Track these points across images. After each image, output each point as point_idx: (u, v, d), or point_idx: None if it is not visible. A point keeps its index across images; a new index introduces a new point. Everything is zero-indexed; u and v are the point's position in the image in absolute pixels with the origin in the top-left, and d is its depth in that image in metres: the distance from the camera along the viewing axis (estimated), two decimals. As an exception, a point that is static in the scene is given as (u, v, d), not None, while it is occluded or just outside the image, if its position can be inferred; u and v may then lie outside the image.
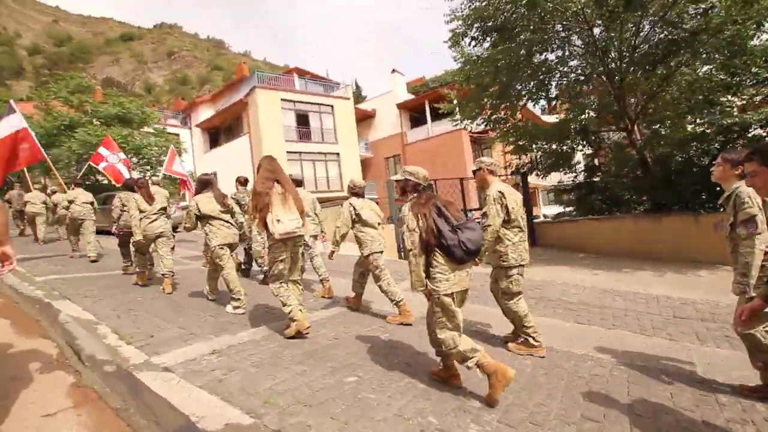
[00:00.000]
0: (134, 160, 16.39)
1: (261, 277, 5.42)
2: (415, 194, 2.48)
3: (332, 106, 21.70)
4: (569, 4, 6.77)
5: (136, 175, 16.42)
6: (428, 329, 2.44)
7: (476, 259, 2.53)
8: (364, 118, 25.34)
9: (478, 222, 2.76)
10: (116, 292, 4.44)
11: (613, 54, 8.01)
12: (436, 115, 22.65)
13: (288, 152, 19.66)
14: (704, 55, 7.08)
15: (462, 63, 9.53)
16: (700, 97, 7.65)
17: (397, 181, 2.62)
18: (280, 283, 3.19)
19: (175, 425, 1.85)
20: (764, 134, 7.12)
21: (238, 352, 2.83)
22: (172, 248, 5.06)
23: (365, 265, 3.91)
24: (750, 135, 7.15)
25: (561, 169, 10.83)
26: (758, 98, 7.40)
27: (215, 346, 2.92)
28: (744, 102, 7.85)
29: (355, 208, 3.84)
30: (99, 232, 7.14)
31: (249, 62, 58.78)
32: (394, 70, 24.37)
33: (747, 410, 2.22)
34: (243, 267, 5.76)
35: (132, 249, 5.16)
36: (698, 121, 7.62)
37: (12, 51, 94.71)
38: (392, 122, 24.43)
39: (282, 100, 20.07)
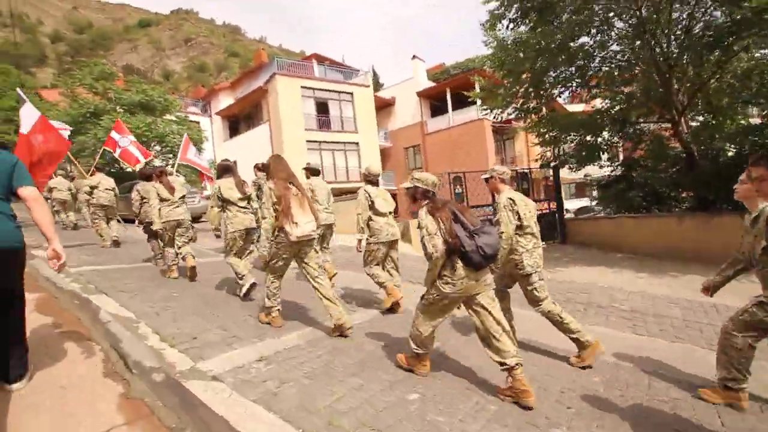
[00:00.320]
0: (157, 148, 16.49)
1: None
2: (427, 200, 2.48)
3: (352, 94, 21.32)
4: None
5: (158, 163, 16.57)
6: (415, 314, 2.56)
7: (493, 267, 2.58)
8: (383, 107, 24.86)
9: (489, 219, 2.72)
10: (150, 286, 4.36)
11: (660, 38, 7.43)
12: (458, 104, 22.05)
13: (308, 141, 19.48)
14: None
15: (495, 48, 9.05)
16: (756, 84, 7.04)
17: (407, 188, 2.64)
18: (275, 277, 3.23)
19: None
20: None
21: (287, 360, 2.68)
22: (192, 239, 5.05)
23: (375, 254, 3.90)
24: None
25: (594, 162, 10.34)
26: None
27: (262, 351, 2.78)
28: None
29: (369, 195, 3.88)
30: (125, 220, 7.14)
31: (266, 48, 58.50)
32: (414, 56, 23.69)
33: None
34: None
35: (160, 243, 5.09)
36: (755, 111, 7.03)
37: (35, 39, 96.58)
38: (412, 111, 23.91)
39: (302, 87, 19.79)
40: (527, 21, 7.86)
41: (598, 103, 10.03)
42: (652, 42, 7.36)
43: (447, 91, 22.11)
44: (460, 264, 2.25)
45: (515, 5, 7.61)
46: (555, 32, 7.49)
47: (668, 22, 7.17)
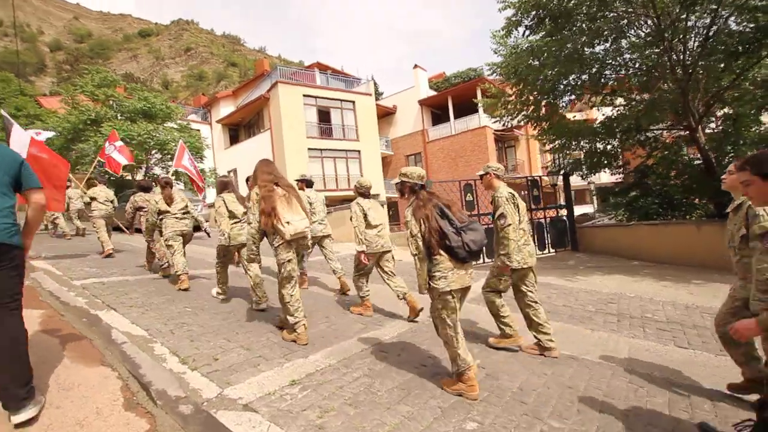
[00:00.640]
0: (158, 156, 16.26)
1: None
2: (413, 196, 2.49)
3: (354, 102, 21.25)
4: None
5: (158, 171, 16.31)
6: (435, 327, 2.51)
7: (507, 263, 2.86)
8: (385, 115, 24.83)
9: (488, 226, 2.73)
10: (161, 301, 4.08)
11: (677, 45, 7.34)
12: (459, 112, 22.01)
13: (309, 149, 19.31)
14: None
15: (505, 56, 8.95)
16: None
17: (395, 184, 2.67)
18: (291, 287, 3.10)
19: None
20: None
21: (322, 384, 2.42)
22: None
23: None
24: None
25: (605, 170, 10.21)
26: None
27: (293, 374, 2.52)
28: None
29: (363, 207, 3.97)
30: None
31: (266, 58, 58.73)
32: (416, 65, 23.76)
33: None
34: None
35: (169, 253, 4.86)
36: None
37: (34, 48, 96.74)
38: (413, 119, 23.87)
39: (304, 95, 19.70)
40: (543, 27, 7.76)
41: (595, 111, 9.93)
42: (669, 49, 7.27)
43: (449, 99, 22.10)
44: (445, 256, 2.30)
45: (533, 12, 7.52)
46: (572, 39, 7.39)
47: (685, 30, 7.08)
